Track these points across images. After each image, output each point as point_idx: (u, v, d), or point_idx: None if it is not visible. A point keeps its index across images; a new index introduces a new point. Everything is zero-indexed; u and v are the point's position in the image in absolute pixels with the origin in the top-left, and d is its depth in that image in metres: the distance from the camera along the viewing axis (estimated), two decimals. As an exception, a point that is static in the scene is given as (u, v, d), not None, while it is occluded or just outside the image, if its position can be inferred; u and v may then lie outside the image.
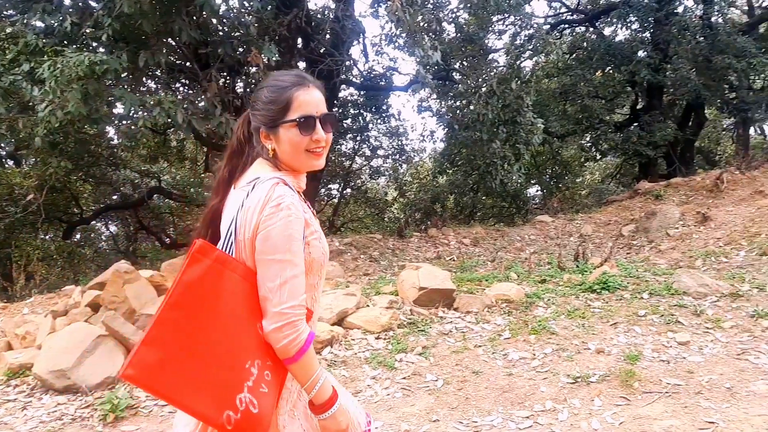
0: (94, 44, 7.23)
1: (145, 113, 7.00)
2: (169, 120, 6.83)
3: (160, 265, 6.62)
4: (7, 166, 12.69)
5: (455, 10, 12.39)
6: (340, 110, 14.08)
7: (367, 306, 5.64)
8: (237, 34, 8.06)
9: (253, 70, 9.34)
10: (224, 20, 8.17)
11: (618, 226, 10.99)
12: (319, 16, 10.92)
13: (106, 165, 12.96)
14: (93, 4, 7.14)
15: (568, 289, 6.19)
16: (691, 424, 3.36)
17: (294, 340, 1.48)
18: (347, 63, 11.52)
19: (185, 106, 6.85)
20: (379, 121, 15.69)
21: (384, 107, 15.07)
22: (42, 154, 9.55)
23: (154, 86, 9.64)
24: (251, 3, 7.93)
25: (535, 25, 11.50)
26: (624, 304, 5.61)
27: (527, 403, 3.85)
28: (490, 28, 13.97)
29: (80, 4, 7.19)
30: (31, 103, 6.86)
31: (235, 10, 8.07)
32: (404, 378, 4.39)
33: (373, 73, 13.95)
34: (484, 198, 16.65)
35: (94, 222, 15.30)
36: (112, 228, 17.03)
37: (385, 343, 5.02)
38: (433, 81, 10.70)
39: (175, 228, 16.43)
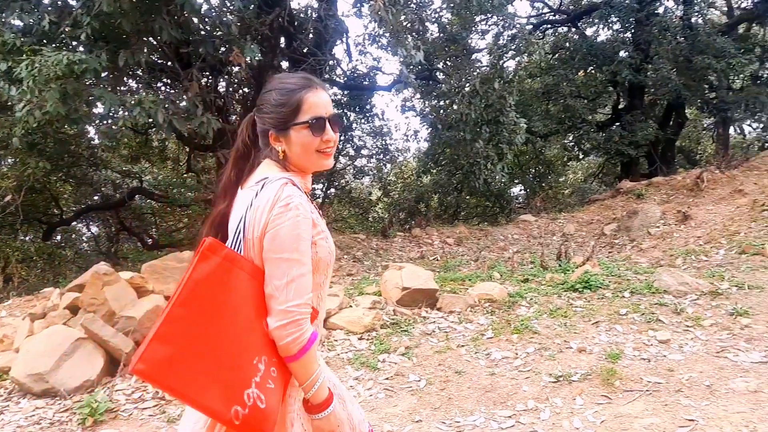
0: (74, 43, 7.14)
1: (126, 113, 6.92)
2: (150, 120, 6.76)
3: (141, 267, 6.56)
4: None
5: (438, 9, 12.43)
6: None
7: (350, 306, 5.62)
8: (218, 33, 8.00)
9: (236, 69, 9.30)
10: (206, 19, 8.11)
11: (600, 225, 11.07)
12: (301, 15, 10.85)
13: (87, 165, 12.78)
14: (72, 2, 7.05)
15: (550, 288, 6.22)
16: (671, 422, 3.38)
17: (297, 339, 1.50)
18: (330, 63, 11.50)
19: (166, 105, 6.78)
20: (362, 120, 15.67)
21: (368, 107, 15.07)
22: (20, 155, 9.40)
23: (136, 86, 9.55)
24: (232, 2, 7.88)
25: (518, 26, 11.54)
26: (606, 303, 5.64)
27: (509, 403, 3.86)
28: (473, 28, 14.00)
29: (59, 2, 7.09)
30: (8, 103, 6.75)
31: (216, 9, 8.01)
32: (387, 379, 4.38)
33: (357, 72, 13.94)
34: (468, 197, 16.70)
35: (74, 223, 15.12)
36: (94, 229, 16.83)
37: (368, 344, 5.01)
38: (417, 81, 10.72)
39: (158, 229, 16.29)
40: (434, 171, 14.73)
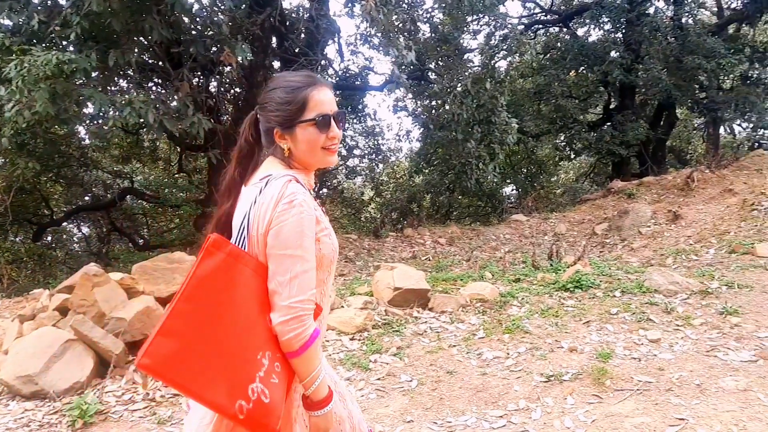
0: (63, 43, 7.09)
1: (116, 113, 6.89)
2: (141, 120, 6.73)
3: (132, 268, 6.52)
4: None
5: (430, 9, 12.44)
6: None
7: (342, 307, 5.61)
8: (209, 33, 7.97)
9: (227, 69, 9.27)
10: (196, 19, 8.09)
11: (591, 225, 11.11)
12: (293, 15, 10.84)
13: (78, 166, 12.73)
14: (61, 2, 7.00)
15: (541, 288, 6.23)
16: (661, 421, 3.40)
17: (299, 335, 1.51)
18: (322, 63, 11.46)
19: (157, 106, 6.75)
20: (354, 120, 15.65)
21: (360, 107, 15.06)
22: (9, 155, 9.34)
23: (126, 86, 9.50)
24: (223, 2, 7.86)
25: (510, 26, 11.58)
26: (597, 303, 5.66)
27: (501, 403, 3.86)
28: (465, 28, 14.00)
29: (48, 2, 7.04)
30: (-3, 103, 6.72)
31: (207, 9, 7.98)
32: (378, 379, 4.37)
33: (349, 72, 13.94)
34: (460, 197, 16.69)
35: (65, 224, 15.05)
36: (84, 230, 16.75)
37: (360, 344, 5.01)
38: (408, 81, 10.73)
39: (149, 229, 16.22)
40: (426, 171, 14.74)
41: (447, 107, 9.59)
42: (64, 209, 14.45)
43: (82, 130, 10.53)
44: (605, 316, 5.24)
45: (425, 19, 12.31)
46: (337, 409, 1.73)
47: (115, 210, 14.19)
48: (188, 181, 14.67)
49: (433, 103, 11.89)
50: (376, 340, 5.05)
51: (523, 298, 5.90)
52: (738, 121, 17.00)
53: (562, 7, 17.97)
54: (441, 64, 12.25)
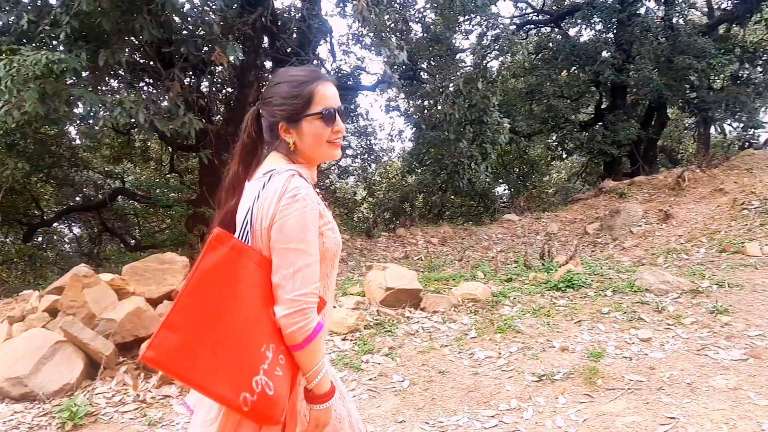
0: (53, 43, 7.05)
1: (106, 113, 6.85)
2: (132, 120, 6.70)
3: (122, 268, 6.48)
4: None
5: (422, 9, 12.40)
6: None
7: (334, 307, 5.60)
8: (201, 32, 7.93)
9: (218, 69, 9.24)
10: (188, 18, 8.05)
11: (583, 224, 11.14)
12: (284, 15, 10.81)
13: (68, 166, 12.64)
14: (51, 1, 6.94)
15: (533, 288, 6.24)
16: (652, 420, 3.41)
17: (303, 328, 1.52)
18: (314, 62, 11.44)
19: (147, 106, 6.72)
20: (347, 120, 15.61)
21: (352, 107, 15.02)
22: (-1, 156, 9.28)
23: (117, 86, 9.45)
24: (215, 1, 7.82)
25: (502, 26, 11.57)
26: (588, 302, 5.68)
27: (493, 402, 3.87)
28: (457, 28, 13.99)
29: (38, 1, 6.99)
30: (-14, 104, 6.66)
31: (198, 9, 7.95)
32: (370, 379, 4.37)
33: (341, 72, 13.89)
34: (452, 197, 16.72)
35: (56, 224, 14.96)
36: (76, 230, 16.67)
37: (352, 345, 5.00)
38: (400, 81, 10.72)
39: (140, 230, 16.15)
40: (419, 171, 14.75)
41: (439, 107, 9.60)
42: (55, 210, 14.36)
43: (72, 131, 10.46)
44: (597, 316, 5.26)
45: (417, 19, 12.29)
46: (337, 406, 1.74)
47: (106, 210, 14.09)
48: (180, 181, 14.60)
49: (425, 103, 11.90)
50: (368, 340, 5.05)
51: (514, 298, 5.90)
52: (728, 121, 17.09)
53: (554, 8, 18.01)
54: (433, 64, 12.24)
